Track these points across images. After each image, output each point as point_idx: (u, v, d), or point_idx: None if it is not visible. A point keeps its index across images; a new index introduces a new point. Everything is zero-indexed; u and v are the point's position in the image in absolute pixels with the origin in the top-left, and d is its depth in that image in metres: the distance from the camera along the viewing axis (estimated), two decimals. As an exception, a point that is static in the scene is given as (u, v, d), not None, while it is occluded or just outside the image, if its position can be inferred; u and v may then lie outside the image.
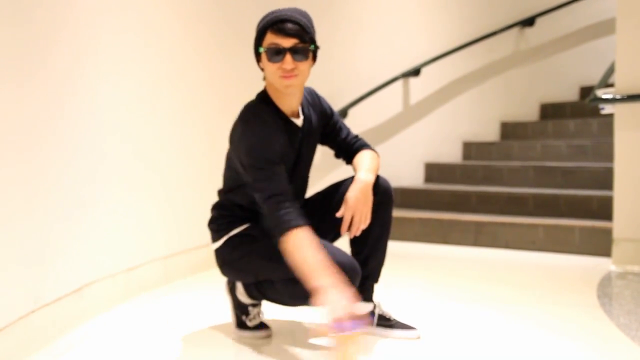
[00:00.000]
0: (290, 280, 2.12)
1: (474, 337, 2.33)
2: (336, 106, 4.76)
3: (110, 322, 2.52)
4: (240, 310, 2.33)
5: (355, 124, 4.55)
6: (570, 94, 6.85)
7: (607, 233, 3.81)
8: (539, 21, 6.50)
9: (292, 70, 2.08)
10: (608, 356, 2.15)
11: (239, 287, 2.31)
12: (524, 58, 6.55)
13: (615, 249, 3.63)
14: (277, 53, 2.07)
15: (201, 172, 3.48)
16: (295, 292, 2.13)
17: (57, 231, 2.34)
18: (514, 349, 2.20)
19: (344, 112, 4.70)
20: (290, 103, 2.18)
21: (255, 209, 2.21)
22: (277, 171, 2.07)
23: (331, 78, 4.79)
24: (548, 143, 5.54)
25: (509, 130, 6.31)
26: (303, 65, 2.10)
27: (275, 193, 2.03)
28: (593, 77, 6.05)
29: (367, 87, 4.96)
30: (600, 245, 3.92)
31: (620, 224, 3.63)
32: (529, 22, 6.42)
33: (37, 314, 2.17)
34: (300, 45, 2.07)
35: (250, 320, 2.32)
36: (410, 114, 5.51)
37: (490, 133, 6.29)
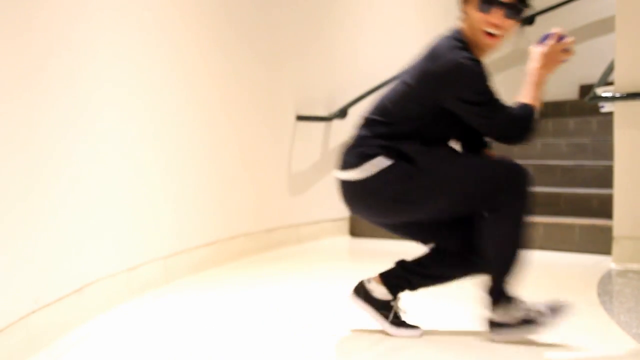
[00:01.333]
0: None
1: (475, 334, 2.33)
2: (337, 105, 4.76)
3: (110, 322, 2.52)
4: (386, 309, 2.25)
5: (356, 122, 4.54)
6: (569, 92, 6.84)
7: (607, 231, 3.81)
8: (539, 19, 6.49)
9: (500, 27, 2.03)
10: (608, 354, 2.15)
11: (375, 288, 2.25)
12: (524, 56, 6.52)
13: (616, 247, 3.63)
14: (491, 4, 2.00)
15: (202, 171, 3.48)
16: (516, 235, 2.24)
17: (57, 231, 2.34)
18: (514, 346, 2.19)
19: (344, 111, 4.69)
20: (481, 54, 2.16)
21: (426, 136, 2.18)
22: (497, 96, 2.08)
23: (332, 76, 4.80)
24: (548, 141, 5.53)
25: (509, 128, 6.29)
26: (511, 26, 2.05)
27: (504, 112, 2.13)
28: (593, 75, 6.02)
29: (368, 86, 4.95)
30: (601, 243, 3.92)
31: (620, 222, 3.63)
32: (529, 20, 6.41)
33: (37, 314, 2.17)
34: (519, 3, 2.01)
35: (401, 314, 2.25)
36: (410, 113, 5.49)
37: (490, 131, 6.27)
